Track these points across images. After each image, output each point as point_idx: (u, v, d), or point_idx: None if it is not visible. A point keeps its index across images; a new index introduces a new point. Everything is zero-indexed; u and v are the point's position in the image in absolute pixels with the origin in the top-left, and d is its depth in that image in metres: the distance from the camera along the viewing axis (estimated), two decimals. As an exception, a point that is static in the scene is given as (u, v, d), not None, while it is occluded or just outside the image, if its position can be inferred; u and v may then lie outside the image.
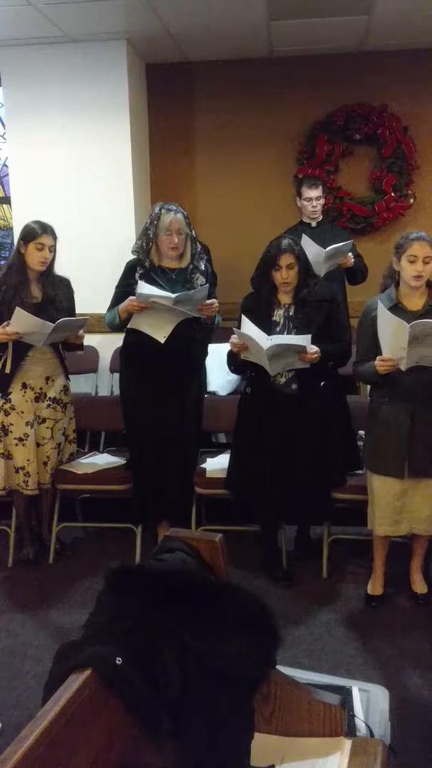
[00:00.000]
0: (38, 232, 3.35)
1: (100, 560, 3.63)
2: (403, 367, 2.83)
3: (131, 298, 3.21)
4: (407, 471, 2.97)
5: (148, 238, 3.32)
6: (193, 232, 3.39)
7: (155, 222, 3.28)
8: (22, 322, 3.26)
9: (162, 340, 3.25)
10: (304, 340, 2.99)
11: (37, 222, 3.41)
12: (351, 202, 5.08)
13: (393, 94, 4.99)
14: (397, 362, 2.83)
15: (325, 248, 3.83)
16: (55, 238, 3.40)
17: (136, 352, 3.40)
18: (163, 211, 3.29)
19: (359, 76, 4.99)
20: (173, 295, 3.11)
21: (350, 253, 4.06)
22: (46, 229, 3.37)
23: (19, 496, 3.62)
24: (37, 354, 3.46)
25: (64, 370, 3.64)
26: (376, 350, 2.92)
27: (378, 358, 2.88)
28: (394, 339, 2.79)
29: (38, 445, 3.55)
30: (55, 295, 3.45)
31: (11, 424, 3.48)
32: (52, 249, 3.40)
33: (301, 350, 3.00)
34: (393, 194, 5.02)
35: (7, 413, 3.47)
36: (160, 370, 3.36)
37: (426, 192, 5.12)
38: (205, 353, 3.58)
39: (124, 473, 3.63)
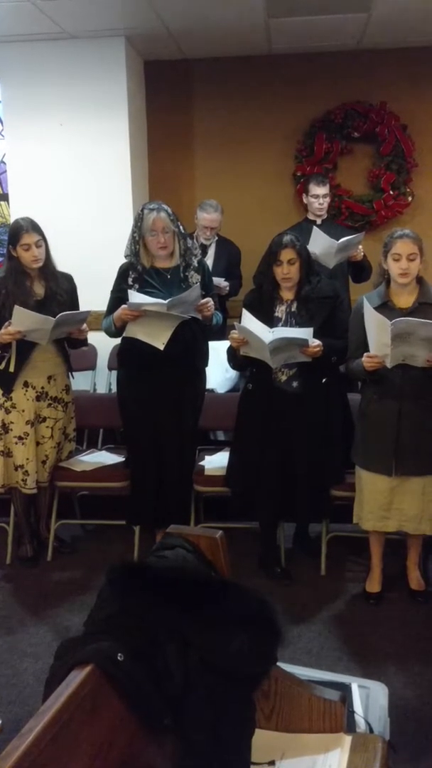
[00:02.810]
0: (20, 233, 3.28)
1: (99, 557, 3.63)
2: (388, 365, 2.85)
3: (124, 306, 3.15)
4: (395, 469, 2.99)
5: (135, 241, 3.26)
6: (181, 228, 3.29)
7: (139, 223, 3.22)
8: (23, 319, 3.23)
9: (161, 347, 3.18)
10: (306, 333, 2.99)
11: (17, 222, 3.34)
12: (350, 200, 5.07)
13: (392, 92, 4.98)
14: (383, 359, 2.85)
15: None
16: (39, 232, 3.33)
17: (133, 357, 3.34)
18: (145, 211, 3.20)
19: (358, 74, 4.98)
20: (165, 302, 3.06)
21: (360, 246, 4.08)
22: (26, 228, 3.29)
23: (18, 493, 3.61)
24: (40, 353, 3.44)
25: (68, 369, 3.62)
26: (365, 347, 2.94)
27: (365, 354, 2.91)
28: (378, 336, 2.81)
29: (38, 443, 3.54)
30: (57, 290, 3.43)
31: (12, 422, 3.47)
32: (40, 244, 3.32)
33: (303, 344, 2.99)
34: (391, 192, 5.02)
35: (8, 411, 3.46)
36: (158, 375, 3.30)
37: (424, 190, 5.12)
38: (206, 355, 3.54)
39: (122, 470, 3.63)
